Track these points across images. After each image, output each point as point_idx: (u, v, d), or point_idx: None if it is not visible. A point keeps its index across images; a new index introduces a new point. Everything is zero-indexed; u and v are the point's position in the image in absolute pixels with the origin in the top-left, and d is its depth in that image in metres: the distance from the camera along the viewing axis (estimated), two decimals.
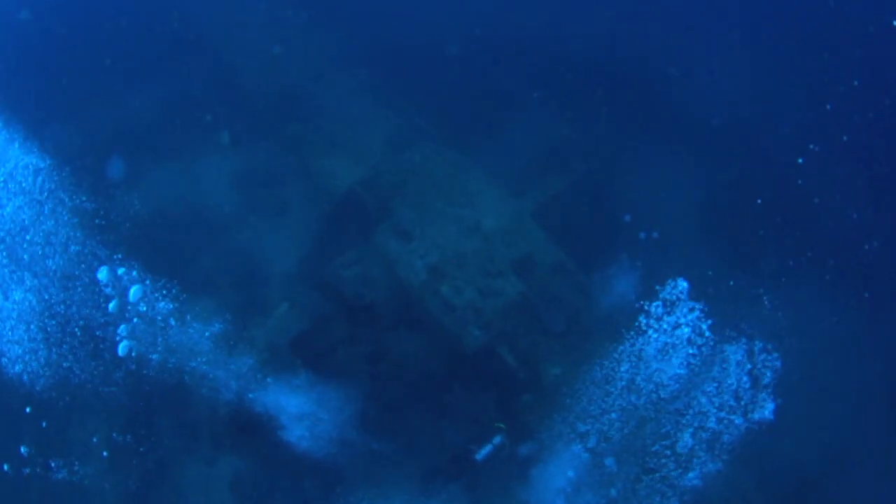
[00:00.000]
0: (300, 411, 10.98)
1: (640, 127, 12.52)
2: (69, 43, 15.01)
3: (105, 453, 11.26)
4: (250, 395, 11.10)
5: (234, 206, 13.58)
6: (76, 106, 14.53)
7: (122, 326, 11.08)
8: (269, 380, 11.21)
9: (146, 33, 15.13)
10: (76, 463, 11.22)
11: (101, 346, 11.18)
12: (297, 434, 10.92)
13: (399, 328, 11.50)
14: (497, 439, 10.41)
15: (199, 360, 11.31)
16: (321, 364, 11.40)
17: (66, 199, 12.22)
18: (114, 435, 11.38)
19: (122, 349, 11.02)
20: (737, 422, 10.05)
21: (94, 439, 11.39)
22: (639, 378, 10.25)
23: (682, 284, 10.15)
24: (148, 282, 11.24)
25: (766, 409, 10.11)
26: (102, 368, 11.24)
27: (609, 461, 10.20)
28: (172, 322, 11.37)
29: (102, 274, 11.03)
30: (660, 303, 10.23)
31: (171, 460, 11.24)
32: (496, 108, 13.31)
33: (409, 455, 11.03)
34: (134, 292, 11.02)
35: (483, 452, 10.35)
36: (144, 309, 11.17)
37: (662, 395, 10.15)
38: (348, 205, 12.55)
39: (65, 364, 11.21)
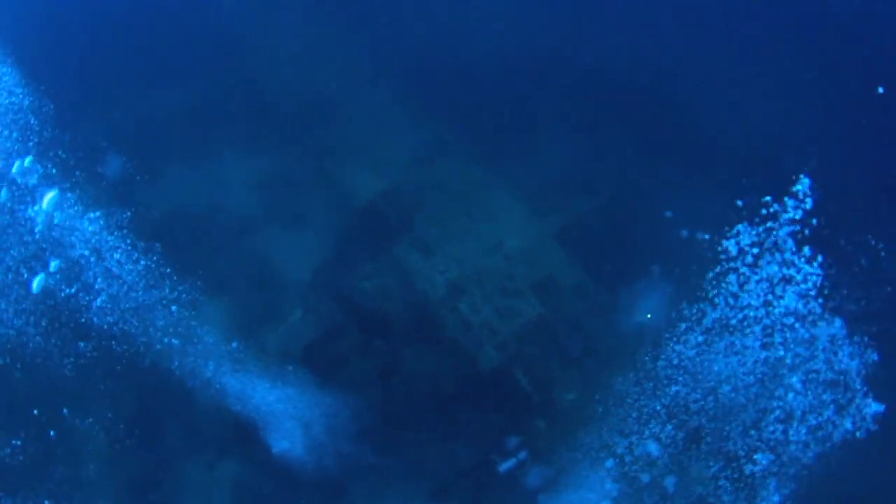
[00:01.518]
0: (301, 418, 10.91)
1: (669, 154, 12.36)
2: (102, 36, 15.15)
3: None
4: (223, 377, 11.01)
5: (255, 209, 13.60)
6: (108, 97, 14.73)
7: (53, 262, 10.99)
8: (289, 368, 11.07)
9: (181, 32, 15.26)
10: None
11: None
12: (295, 442, 10.84)
13: (414, 343, 11.36)
14: (522, 455, 10.41)
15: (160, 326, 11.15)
16: (332, 373, 11.28)
17: None
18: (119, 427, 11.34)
19: (37, 284, 10.86)
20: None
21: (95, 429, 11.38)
22: None
23: None
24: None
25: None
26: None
27: None
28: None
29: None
30: None
31: (171, 461, 11.15)
32: (524, 127, 13.21)
33: (416, 472, 10.85)
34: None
35: (506, 465, 10.31)
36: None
37: None
38: (369, 216, 12.48)
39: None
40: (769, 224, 10.87)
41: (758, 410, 10.31)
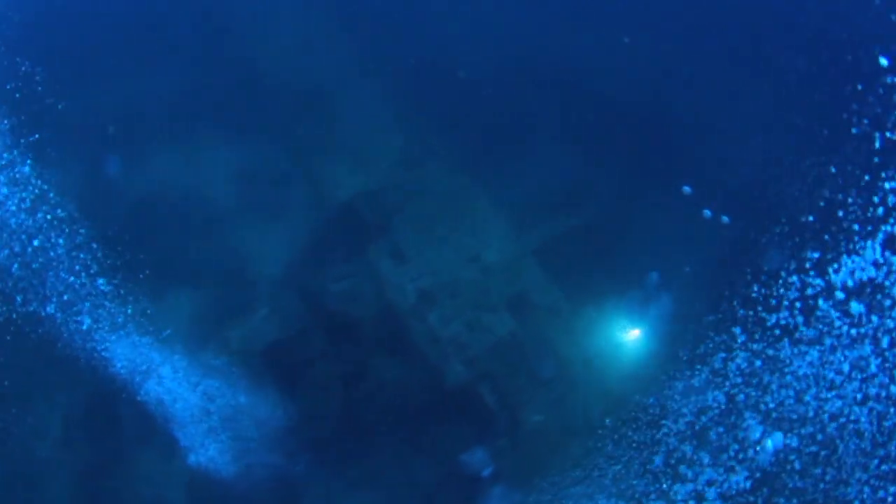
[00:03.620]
0: (258, 420, 10.59)
1: (658, 178, 12.14)
2: (91, 17, 14.91)
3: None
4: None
5: (232, 199, 13.32)
6: (94, 79, 14.48)
7: None
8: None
9: (174, 15, 15.02)
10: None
11: None
12: (252, 443, 10.52)
13: (380, 351, 11.04)
14: (486, 472, 10.25)
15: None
16: (293, 376, 10.95)
17: None
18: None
19: None
20: None
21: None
22: None
23: None
24: None
25: None
26: None
27: None
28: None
29: None
30: None
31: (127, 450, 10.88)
32: (513, 139, 12.97)
33: (372, 485, 10.55)
34: None
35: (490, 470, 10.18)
36: None
37: None
38: (347, 216, 12.17)
39: None
40: None
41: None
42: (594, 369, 10.91)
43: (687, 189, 11.52)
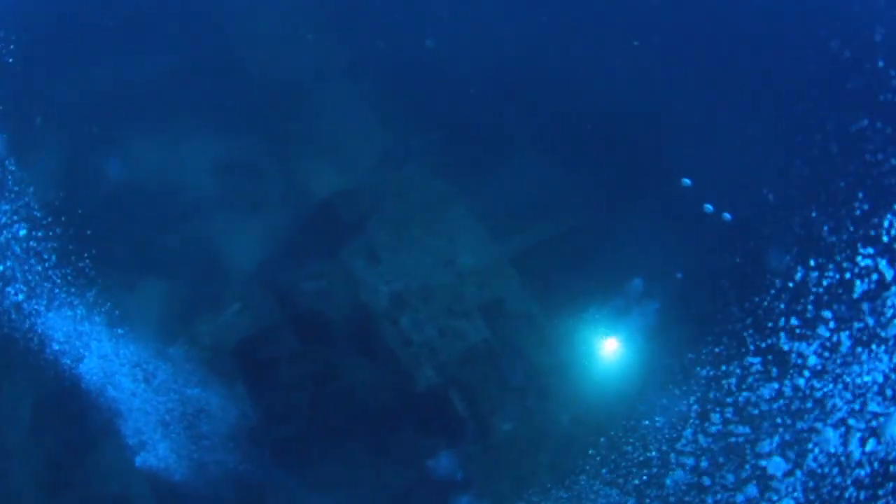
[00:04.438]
0: (225, 419, 10.41)
1: (637, 192, 12.10)
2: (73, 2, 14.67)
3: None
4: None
5: (209, 191, 13.13)
6: (73, 66, 14.20)
7: None
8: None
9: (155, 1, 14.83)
10: None
11: None
12: (215, 441, 10.35)
13: (350, 353, 10.88)
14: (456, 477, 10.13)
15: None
16: (262, 375, 10.77)
17: None
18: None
19: None
20: None
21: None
22: None
23: None
24: None
25: None
26: None
27: None
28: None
29: None
30: None
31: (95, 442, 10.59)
32: (495, 146, 12.91)
33: (338, 488, 10.40)
34: None
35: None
36: None
37: None
38: (324, 214, 12.02)
39: None
40: None
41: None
42: (566, 379, 10.81)
43: (686, 181, 11.43)
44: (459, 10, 14.27)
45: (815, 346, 10.39)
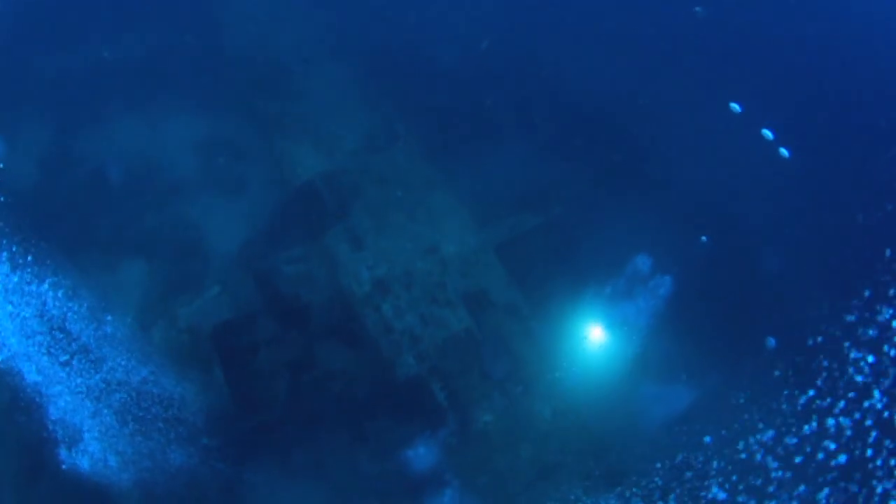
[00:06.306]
0: (201, 405, 10.20)
1: (624, 184, 11.94)
2: None
3: None
4: None
5: (191, 171, 12.87)
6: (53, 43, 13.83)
7: None
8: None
9: None
10: None
11: None
12: (192, 427, 10.13)
13: (330, 339, 10.67)
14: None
15: None
16: (239, 360, 10.56)
17: None
18: None
19: None
20: None
21: None
22: None
23: None
24: None
25: None
26: None
27: None
28: None
29: None
30: None
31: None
32: (482, 133, 12.69)
33: (315, 474, 10.24)
34: None
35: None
36: None
37: None
38: (307, 197, 11.76)
39: None
40: None
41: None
42: (549, 370, 10.68)
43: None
44: None
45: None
